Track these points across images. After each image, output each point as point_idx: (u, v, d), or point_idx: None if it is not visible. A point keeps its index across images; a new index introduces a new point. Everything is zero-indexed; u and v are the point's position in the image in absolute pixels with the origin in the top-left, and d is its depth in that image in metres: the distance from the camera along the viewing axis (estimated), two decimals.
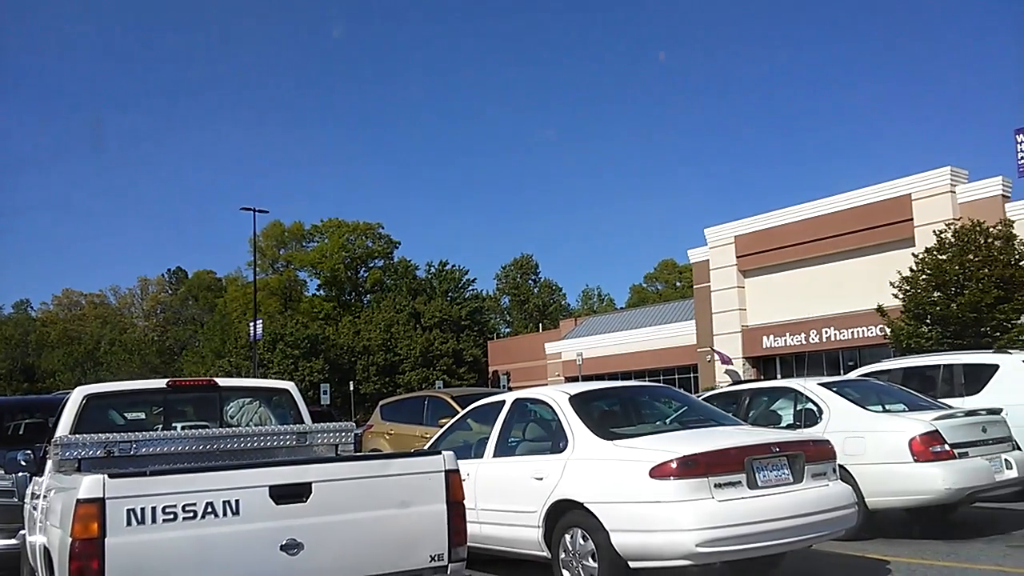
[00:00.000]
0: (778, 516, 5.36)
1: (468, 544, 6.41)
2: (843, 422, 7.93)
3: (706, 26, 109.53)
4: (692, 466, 5.24)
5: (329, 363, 58.43)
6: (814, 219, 43.19)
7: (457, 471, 4.21)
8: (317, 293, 78.69)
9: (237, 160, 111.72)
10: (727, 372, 45.96)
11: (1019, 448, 9.24)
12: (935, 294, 21.54)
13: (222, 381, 5.81)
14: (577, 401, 6.33)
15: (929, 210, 37.10)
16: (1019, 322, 21.49)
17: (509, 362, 65.45)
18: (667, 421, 6.51)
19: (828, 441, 6.18)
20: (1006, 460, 7.74)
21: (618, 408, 6.83)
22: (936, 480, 7.22)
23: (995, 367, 9.98)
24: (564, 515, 5.88)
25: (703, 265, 50.00)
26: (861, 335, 37.82)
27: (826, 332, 42.92)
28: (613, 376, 56.13)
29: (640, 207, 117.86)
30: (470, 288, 78.05)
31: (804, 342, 43.94)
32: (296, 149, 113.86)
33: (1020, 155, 19.32)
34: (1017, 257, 21.10)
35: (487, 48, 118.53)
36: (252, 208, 44.11)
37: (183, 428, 5.61)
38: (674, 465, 5.25)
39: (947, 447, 7.34)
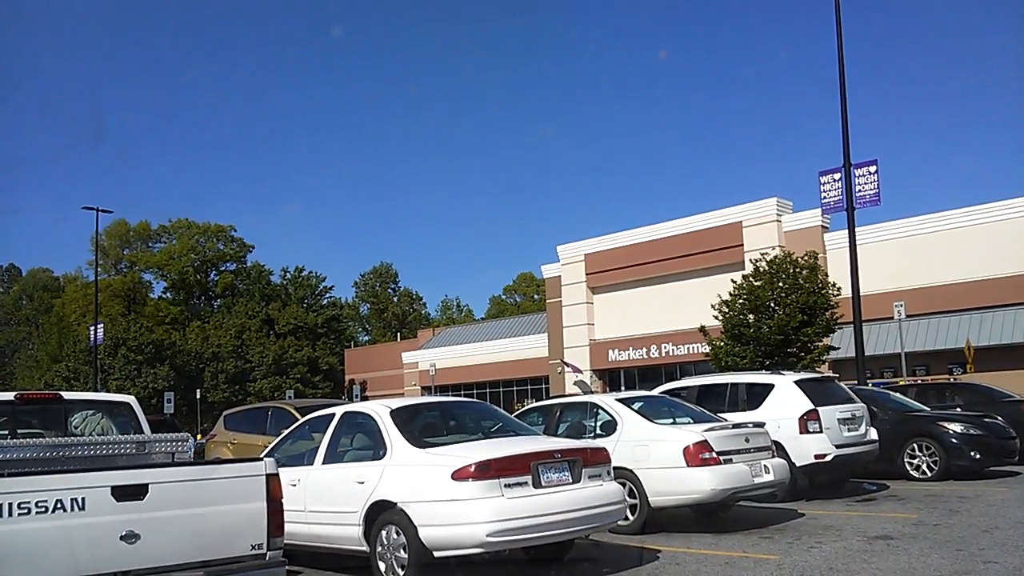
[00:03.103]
0: (558, 510, 6.46)
1: (298, 543, 7.22)
2: (633, 433, 9.23)
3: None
4: (486, 469, 6.25)
5: (175, 370, 56.61)
6: (657, 241, 46.02)
7: (276, 475, 4.99)
8: (164, 296, 75.80)
9: (83, 155, 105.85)
10: (576, 383, 48.07)
11: (783, 456, 10.99)
12: (750, 317, 23.84)
13: (67, 394, 6.36)
14: (397, 414, 7.25)
15: (757, 237, 40.49)
16: (820, 344, 24.11)
17: (366, 371, 65.49)
18: (474, 432, 7.54)
19: (604, 448, 7.37)
20: (765, 466, 9.23)
21: (433, 420, 7.81)
22: (703, 482, 8.59)
23: (771, 386, 11.65)
24: (381, 514, 6.76)
25: (555, 281, 52.09)
26: (695, 351, 40.51)
27: (665, 347, 45.77)
28: (468, 386, 57.38)
29: (504, 220, 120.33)
30: (327, 295, 77.39)
31: (646, 356, 46.64)
32: (147, 146, 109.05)
33: (823, 195, 21.78)
34: (820, 286, 23.69)
35: (346, 51, 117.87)
36: (95, 207, 42.59)
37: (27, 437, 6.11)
38: (472, 469, 6.25)
39: (714, 454, 8.73)
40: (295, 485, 7.34)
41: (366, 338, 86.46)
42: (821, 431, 11.05)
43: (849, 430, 11.50)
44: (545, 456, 6.63)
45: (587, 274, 49.61)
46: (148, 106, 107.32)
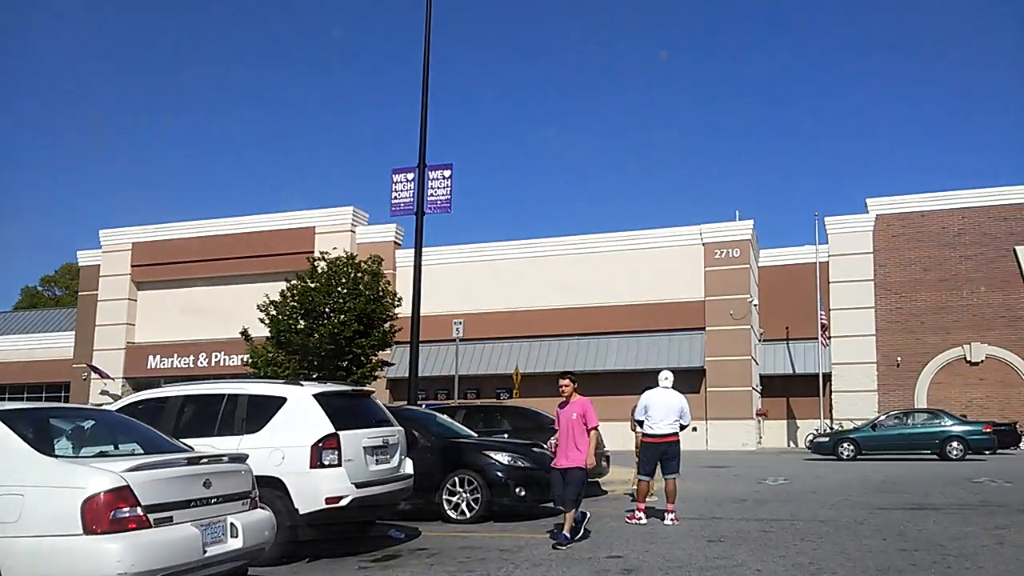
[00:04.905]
0: None
1: None
2: (10, 473, 5.27)
3: None
4: None
5: None
6: (222, 237, 41.49)
7: None
8: None
9: None
10: (103, 392, 40.77)
11: (283, 499, 7.82)
12: (301, 323, 20.78)
13: None
14: None
15: (330, 245, 37.92)
16: (375, 358, 21.86)
17: None
18: None
19: None
20: (232, 525, 5.90)
21: None
22: (109, 561, 4.96)
23: (282, 400, 8.45)
24: None
25: (93, 271, 44.64)
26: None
27: (216, 356, 41.10)
28: None
29: (46, 201, 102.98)
30: None
31: (192, 365, 41.46)
32: None
33: (394, 196, 19.44)
34: (380, 294, 21.50)
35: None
36: None
37: None
38: None
39: (139, 511, 5.17)
40: None
41: None
42: (340, 464, 8.10)
43: (379, 462, 8.72)
44: None
45: (133, 266, 43.07)
46: None
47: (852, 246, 36.35)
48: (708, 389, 35.80)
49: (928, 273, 35.40)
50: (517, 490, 10.79)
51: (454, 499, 10.87)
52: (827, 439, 26.16)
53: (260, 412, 8.43)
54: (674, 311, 36.61)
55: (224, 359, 40.58)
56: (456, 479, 10.90)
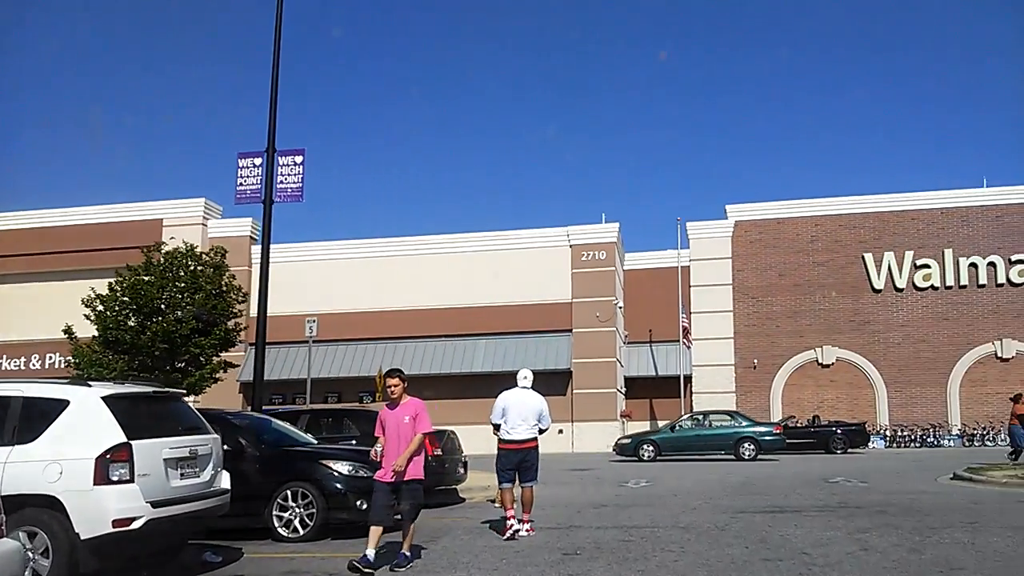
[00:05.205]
0: None
1: None
2: None
3: None
4: None
5: None
6: (59, 228, 38.15)
7: None
8: None
9: None
10: None
11: (60, 520, 6.47)
12: (132, 320, 18.84)
13: None
14: None
15: (178, 238, 35.41)
16: (218, 358, 20.15)
17: None
18: None
19: None
20: None
21: None
22: None
23: (64, 404, 7.07)
24: None
25: None
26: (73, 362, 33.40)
27: (51, 358, 37.67)
28: None
29: None
30: None
31: (24, 367, 37.97)
32: None
33: (240, 182, 17.84)
34: (224, 288, 19.83)
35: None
36: None
37: None
38: None
39: None
40: None
41: None
42: (132, 480, 6.81)
43: (184, 476, 7.46)
44: None
45: None
46: None
47: (712, 251, 37.05)
48: (574, 391, 35.60)
49: (783, 278, 36.52)
50: (358, 503, 9.62)
51: (286, 515, 9.66)
52: (629, 441, 26.38)
53: (36, 418, 7.02)
54: (542, 313, 36.24)
55: (59, 361, 37.13)
56: (288, 492, 9.70)
